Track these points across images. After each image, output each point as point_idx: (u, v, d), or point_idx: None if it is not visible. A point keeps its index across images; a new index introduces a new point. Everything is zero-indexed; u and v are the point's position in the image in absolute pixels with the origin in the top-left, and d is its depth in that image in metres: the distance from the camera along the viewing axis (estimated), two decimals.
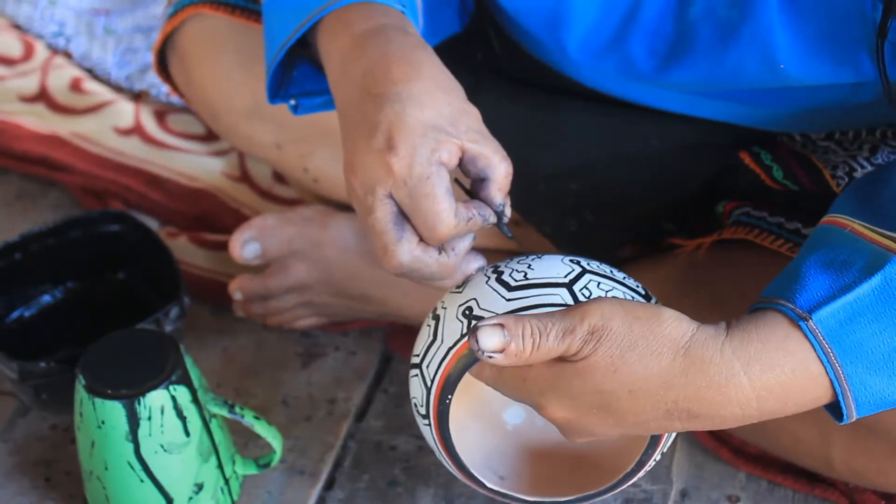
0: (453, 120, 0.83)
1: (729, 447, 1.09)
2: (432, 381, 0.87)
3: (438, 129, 0.82)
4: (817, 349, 0.78)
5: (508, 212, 0.86)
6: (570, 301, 0.85)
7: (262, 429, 1.00)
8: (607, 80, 1.03)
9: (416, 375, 0.89)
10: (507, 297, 0.85)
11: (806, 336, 0.78)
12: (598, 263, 0.89)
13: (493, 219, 0.85)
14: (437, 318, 0.88)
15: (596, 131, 1.08)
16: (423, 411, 0.89)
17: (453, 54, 0.95)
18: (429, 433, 0.89)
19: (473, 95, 0.87)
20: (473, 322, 0.84)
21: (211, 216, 1.35)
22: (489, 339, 0.80)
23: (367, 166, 0.82)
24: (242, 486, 1.07)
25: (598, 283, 0.86)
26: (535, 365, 0.81)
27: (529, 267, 0.88)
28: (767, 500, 1.06)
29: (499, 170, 0.84)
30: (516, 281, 0.86)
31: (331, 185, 1.20)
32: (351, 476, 1.09)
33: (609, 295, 0.86)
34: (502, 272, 0.88)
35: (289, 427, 1.13)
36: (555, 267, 0.88)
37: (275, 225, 1.18)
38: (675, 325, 0.80)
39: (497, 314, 0.83)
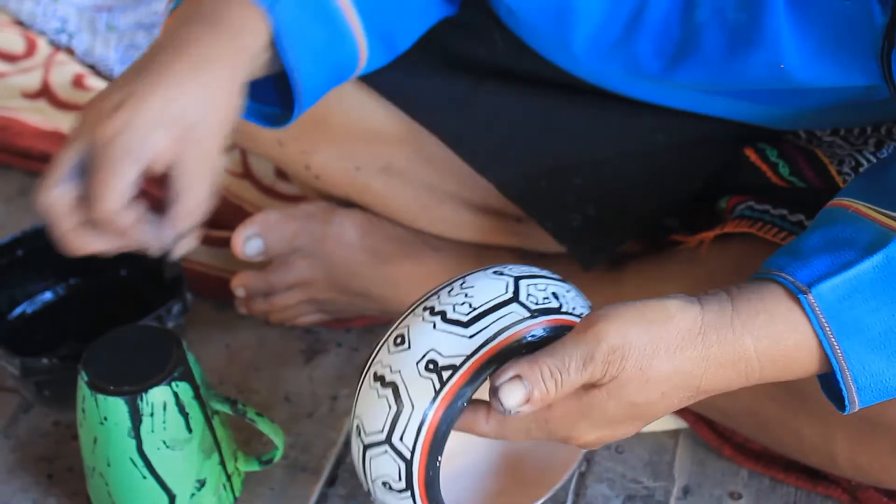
0: (200, 132, 0.83)
1: (731, 444, 1.09)
2: (412, 451, 0.82)
3: (176, 124, 0.81)
4: (814, 323, 0.78)
5: (177, 253, 0.82)
6: (526, 312, 0.83)
7: (265, 425, 1.00)
8: (613, 79, 1.03)
9: (385, 452, 0.83)
10: (469, 334, 0.82)
11: (804, 310, 0.79)
12: (513, 266, 0.87)
13: (165, 244, 0.81)
14: (390, 384, 0.83)
15: (600, 126, 1.08)
16: (400, 486, 0.84)
17: (455, 50, 0.95)
18: None
19: (476, 91, 0.87)
20: (446, 373, 0.80)
21: (213, 213, 1.35)
22: (512, 397, 0.77)
23: (93, 109, 0.82)
24: (244, 483, 1.06)
25: (536, 285, 0.85)
26: (557, 404, 0.80)
27: (466, 296, 0.84)
28: (769, 498, 1.06)
29: (189, 198, 0.83)
30: (466, 315, 0.82)
31: (333, 182, 1.19)
32: (353, 473, 1.09)
33: (549, 291, 0.85)
34: (443, 312, 0.83)
35: (291, 424, 1.13)
36: (489, 286, 0.84)
37: (277, 221, 1.18)
38: (685, 316, 0.80)
39: (512, 364, 0.78)
